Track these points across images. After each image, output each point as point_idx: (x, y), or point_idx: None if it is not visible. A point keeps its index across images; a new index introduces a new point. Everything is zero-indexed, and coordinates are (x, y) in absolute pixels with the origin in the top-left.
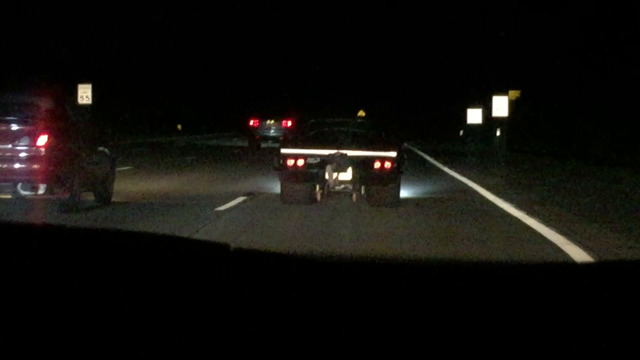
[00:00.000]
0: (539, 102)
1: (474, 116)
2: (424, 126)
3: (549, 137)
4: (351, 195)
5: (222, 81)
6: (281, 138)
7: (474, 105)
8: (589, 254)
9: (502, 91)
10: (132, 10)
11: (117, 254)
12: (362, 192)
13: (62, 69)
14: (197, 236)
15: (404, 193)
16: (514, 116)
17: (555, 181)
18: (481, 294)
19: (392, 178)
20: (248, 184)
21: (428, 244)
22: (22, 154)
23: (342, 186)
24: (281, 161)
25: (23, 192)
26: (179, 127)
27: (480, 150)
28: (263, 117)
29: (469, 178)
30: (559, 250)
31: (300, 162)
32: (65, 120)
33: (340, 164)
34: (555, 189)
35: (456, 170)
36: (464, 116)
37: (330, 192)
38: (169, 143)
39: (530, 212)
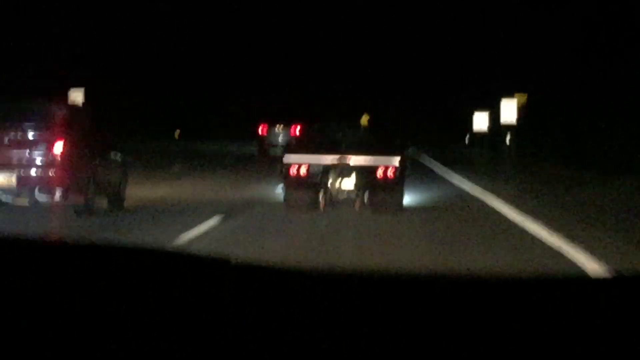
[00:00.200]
0: (548, 105)
1: (481, 120)
2: (429, 131)
3: (560, 142)
4: (354, 202)
5: (224, 86)
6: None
7: (480, 109)
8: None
9: (509, 94)
10: (129, 13)
11: (119, 269)
12: (365, 199)
13: (56, 71)
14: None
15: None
16: (522, 121)
17: (585, 196)
18: (490, 308)
19: (396, 184)
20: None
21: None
22: (39, 161)
23: (346, 193)
24: (285, 168)
25: (40, 198)
26: (178, 132)
27: (489, 156)
28: (271, 124)
29: (485, 188)
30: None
31: (304, 170)
32: (80, 127)
33: (344, 171)
34: (580, 203)
35: (467, 178)
36: (470, 121)
37: (333, 199)
38: (166, 149)
39: (570, 237)
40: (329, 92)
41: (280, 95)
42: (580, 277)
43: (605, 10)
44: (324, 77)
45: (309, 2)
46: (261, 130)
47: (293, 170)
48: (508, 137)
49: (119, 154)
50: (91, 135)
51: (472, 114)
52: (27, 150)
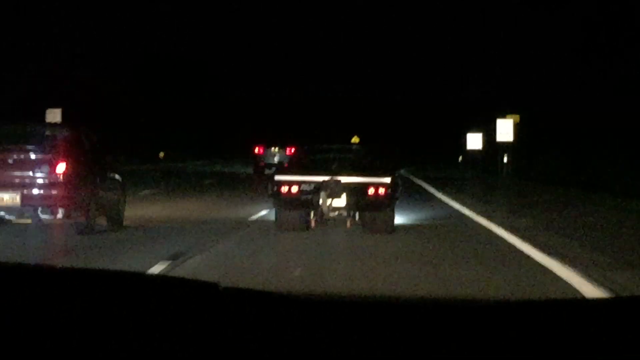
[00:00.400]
0: (542, 125)
1: (474, 141)
2: (421, 152)
3: (555, 163)
4: (345, 221)
5: (224, 87)
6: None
7: (473, 130)
8: None
9: (502, 114)
10: (129, 13)
11: (109, 294)
12: (357, 218)
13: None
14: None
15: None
16: (516, 141)
17: (596, 221)
18: (484, 334)
19: (387, 204)
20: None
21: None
22: (42, 181)
23: (337, 212)
24: (275, 188)
25: (43, 216)
26: (162, 154)
27: (483, 177)
28: (267, 145)
29: (492, 220)
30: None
31: (295, 189)
32: (81, 149)
33: (335, 190)
34: (591, 229)
35: (462, 204)
36: (463, 141)
37: (324, 218)
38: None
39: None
40: (323, 113)
41: (275, 117)
42: (576, 299)
43: (605, 10)
44: (315, 98)
45: (306, 11)
46: (257, 150)
47: (284, 190)
48: (505, 157)
49: (118, 175)
50: (92, 157)
51: (464, 134)
52: (31, 171)
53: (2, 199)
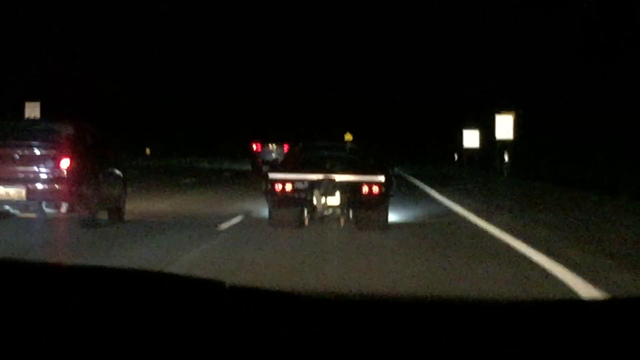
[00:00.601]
0: (541, 125)
1: (471, 138)
2: (416, 150)
3: (553, 160)
4: (339, 219)
5: (224, 87)
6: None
7: (469, 126)
8: None
9: (499, 111)
10: (129, 13)
11: (114, 292)
12: (350, 216)
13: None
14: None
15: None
16: (516, 139)
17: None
18: (483, 332)
19: (380, 202)
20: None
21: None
22: (47, 176)
23: (330, 210)
24: (269, 185)
25: (47, 210)
26: (148, 151)
27: (481, 175)
28: (265, 141)
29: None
30: None
31: (289, 187)
32: (85, 145)
33: (328, 188)
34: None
35: (468, 209)
36: (458, 138)
37: (318, 216)
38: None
39: None
40: (323, 113)
41: (273, 114)
42: (573, 300)
43: (605, 10)
44: (308, 94)
45: (306, 12)
46: (255, 147)
47: (278, 188)
48: (506, 155)
49: (119, 170)
50: (95, 152)
51: (460, 132)
52: (36, 167)
53: (8, 193)
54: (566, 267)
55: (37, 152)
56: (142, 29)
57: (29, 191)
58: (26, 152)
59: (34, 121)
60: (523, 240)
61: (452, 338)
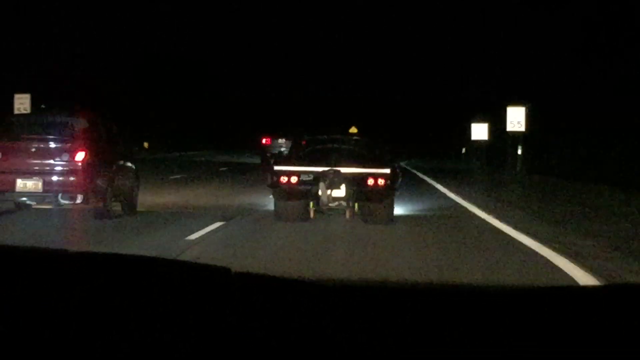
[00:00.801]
0: (550, 115)
1: (479, 132)
2: (423, 143)
3: (567, 155)
4: (345, 212)
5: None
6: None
7: (478, 119)
8: None
9: (507, 104)
10: (129, 13)
11: (122, 278)
12: (356, 209)
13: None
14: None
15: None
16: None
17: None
18: (482, 318)
19: (386, 195)
20: None
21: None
22: (63, 168)
23: (336, 203)
24: (275, 178)
25: (63, 202)
26: (146, 144)
27: (492, 172)
28: (274, 136)
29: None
30: None
31: (294, 179)
32: (99, 138)
33: (334, 181)
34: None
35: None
36: (466, 132)
37: (323, 209)
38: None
39: None
40: (323, 113)
41: (274, 114)
42: (570, 286)
43: (605, 10)
44: (312, 87)
45: (306, 12)
46: (264, 141)
47: (283, 180)
48: (520, 149)
49: (131, 163)
50: (108, 146)
51: (468, 125)
52: (52, 159)
53: (25, 185)
54: None
55: (53, 145)
56: (142, 29)
57: (45, 183)
58: (42, 145)
59: (50, 115)
60: (573, 259)
61: (450, 324)
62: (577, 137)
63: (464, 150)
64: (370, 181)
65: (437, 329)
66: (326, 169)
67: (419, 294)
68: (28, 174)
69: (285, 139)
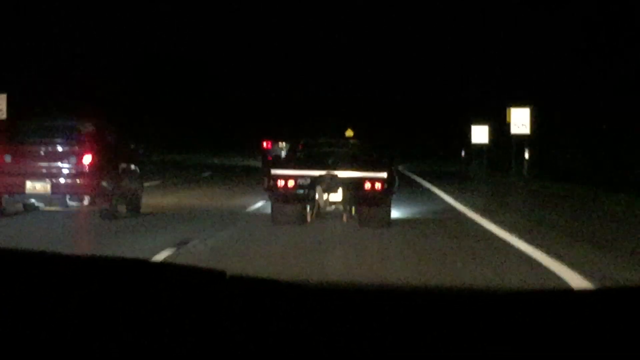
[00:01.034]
0: (550, 115)
1: (480, 134)
2: (422, 146)
3: (571, 157)
4: (342, 215)
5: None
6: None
7: (478, 121)
8: None
9: (506, 105)
10: (129, 13)
11: (115, 282)
12: (353, 212)
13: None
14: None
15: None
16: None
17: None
18: (476, 321)
19: (383, 199)
20: None
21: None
22: (70, 171)
23: (333, 207)
24: (271, 182)
25: (70, 203)
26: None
27: (495, 176)
28: (275, 139)
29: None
30: None
31: (291, 183)
32: (105, 141)
33: (331, 184)
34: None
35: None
36: (466, 134)
37: (320, 212)
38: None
39: None
40: (323, 113)
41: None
42: (565, 290)
43: (605, 10)
44: (308, 90)
45: (306, 12)
46: (265, 144)
47: (280, 184)
48: (526, 152)
49: (136, 165)
50: (114, 149)
51: (468, 127)
52: (60, 162)
53: (35, 187)
54: None
55: (60, 148)
56: (142, 29)
57: (53, 185)
58: (51, 148)
59: (57, 119)
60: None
61: (444, 327)
62: (588, 140)
63: (463, 153)
64: (367, 185)
65: (433, 331)
66: (323, 172)
67: (415, 297)
68: (37, 176)
69: (286, 143)
